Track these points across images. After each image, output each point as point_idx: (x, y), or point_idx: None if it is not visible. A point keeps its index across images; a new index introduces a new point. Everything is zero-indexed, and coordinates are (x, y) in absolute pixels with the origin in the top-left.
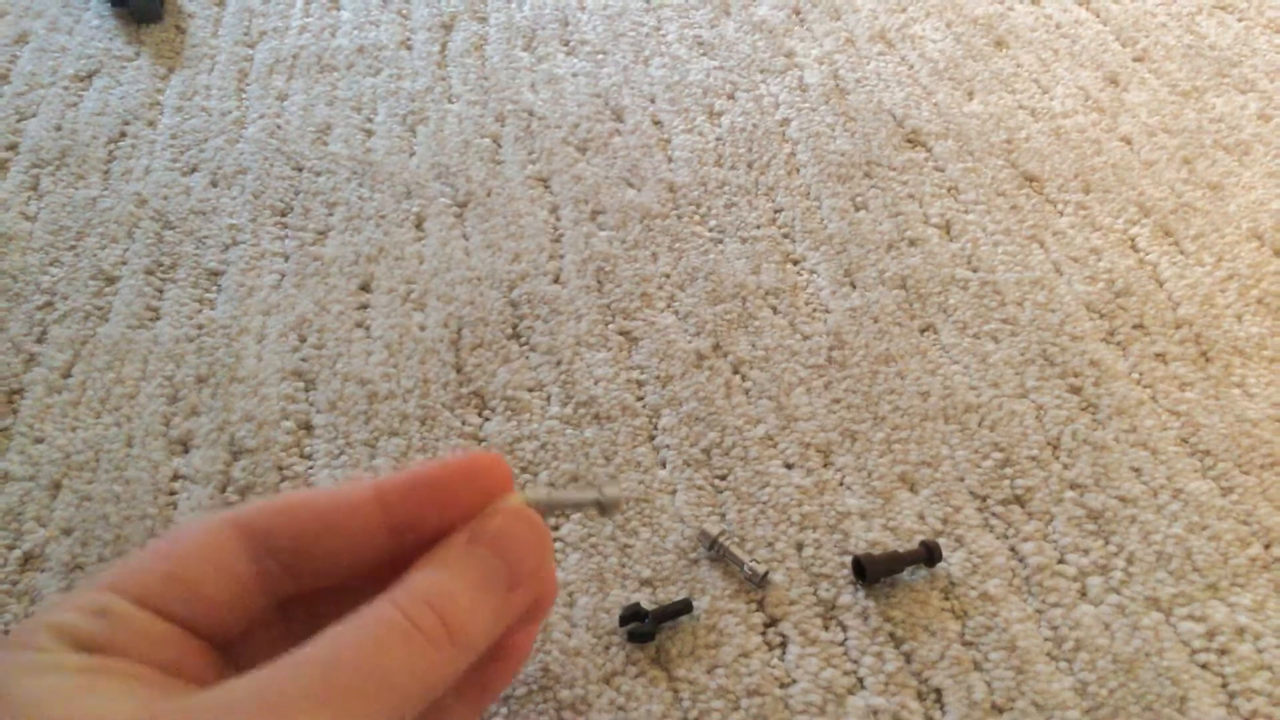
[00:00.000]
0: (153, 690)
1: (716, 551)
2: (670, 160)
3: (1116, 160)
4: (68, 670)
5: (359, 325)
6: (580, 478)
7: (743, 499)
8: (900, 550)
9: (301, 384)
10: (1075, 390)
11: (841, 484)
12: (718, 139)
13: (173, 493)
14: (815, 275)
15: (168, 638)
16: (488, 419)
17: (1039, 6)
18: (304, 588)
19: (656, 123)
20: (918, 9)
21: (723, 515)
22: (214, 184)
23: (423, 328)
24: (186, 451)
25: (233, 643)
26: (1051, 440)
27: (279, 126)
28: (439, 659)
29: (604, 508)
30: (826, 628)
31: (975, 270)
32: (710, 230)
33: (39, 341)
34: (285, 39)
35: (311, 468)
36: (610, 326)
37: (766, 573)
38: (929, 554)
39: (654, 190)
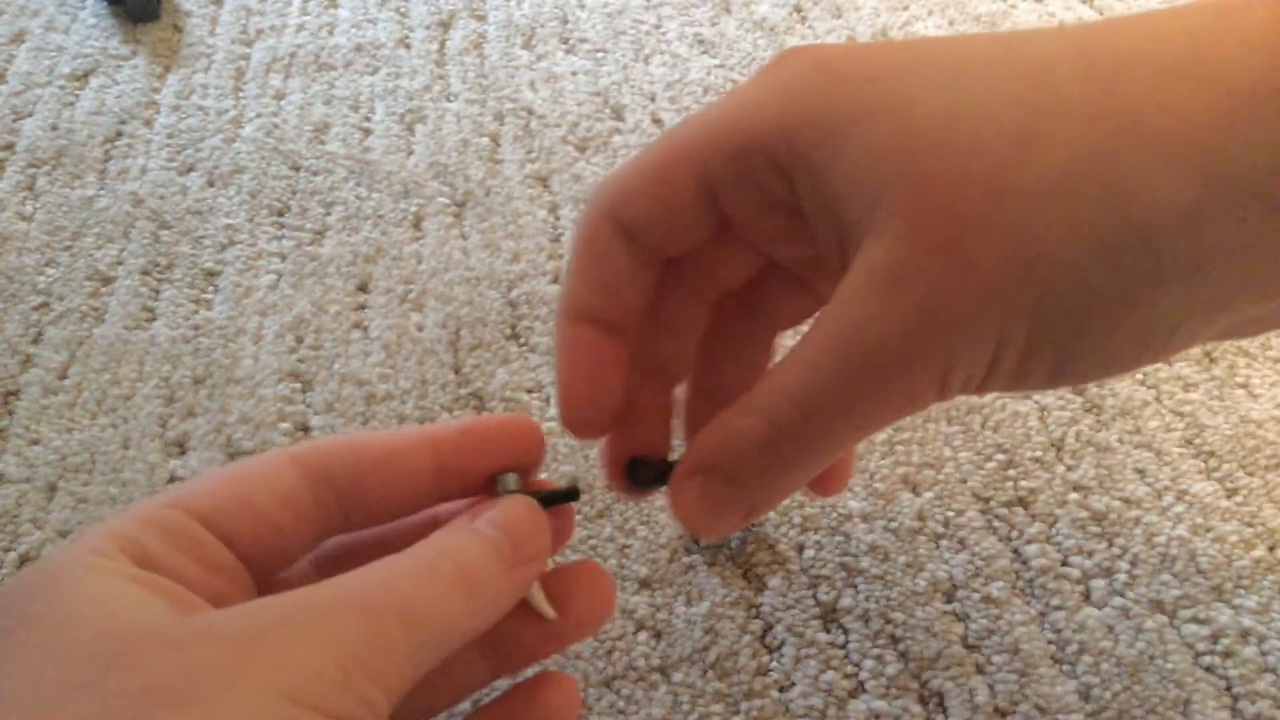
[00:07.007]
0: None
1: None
2: None
3: None
4: (122, 578)
5: (356, 326)
6: (580, 479)
7: None
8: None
9: (299, 385)
10: (1079, 391)
11: None
12: None
13: None
14: None
15: (222, 564)
16: None
17: (1042, 4)
18: (351, 526)
19: (657, 121)
20: (919, 7)
21: None
22: (211, 183)
23: (420, 328)
24: (183, 453)
25: (273, 581)
26: (1055, 441)
27: (276, 125)
28: (460, 606)
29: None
30: (827, 630)
31: None
32: None
33: (35, 343)
34: (282, 37)
35: None
36: None
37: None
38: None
39: None
